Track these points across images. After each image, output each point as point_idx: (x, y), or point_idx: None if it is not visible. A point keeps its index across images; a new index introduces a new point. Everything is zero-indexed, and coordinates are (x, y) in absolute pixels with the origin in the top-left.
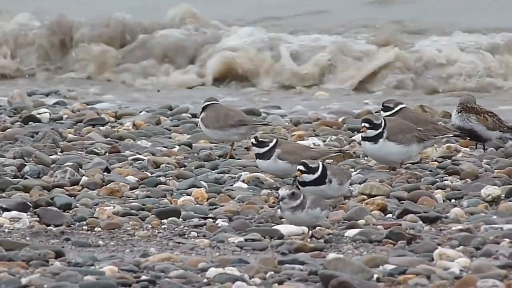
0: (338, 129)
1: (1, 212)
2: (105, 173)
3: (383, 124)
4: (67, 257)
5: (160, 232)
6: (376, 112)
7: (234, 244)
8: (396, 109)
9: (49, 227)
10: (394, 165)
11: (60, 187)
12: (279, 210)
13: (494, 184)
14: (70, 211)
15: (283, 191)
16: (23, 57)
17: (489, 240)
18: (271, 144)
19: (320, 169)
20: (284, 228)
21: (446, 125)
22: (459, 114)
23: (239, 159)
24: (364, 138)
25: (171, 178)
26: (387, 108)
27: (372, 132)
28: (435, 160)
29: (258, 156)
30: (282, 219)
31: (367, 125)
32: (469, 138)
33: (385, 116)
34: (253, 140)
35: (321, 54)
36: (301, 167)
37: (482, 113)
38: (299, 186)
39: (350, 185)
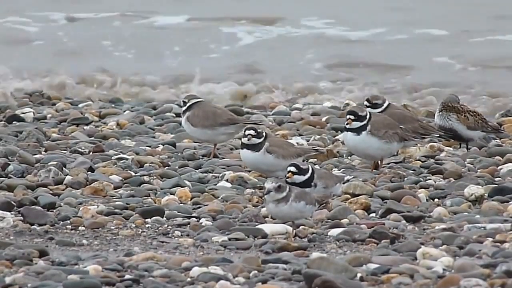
0: (322, 129)
1: None
2: (89, 172)
3: (368, 117)
4: (51, 256)
5: (144, 231)
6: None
7: (217, 243)
8: (384, 106)
9: (33, 226)
10: (373, 160)
11: (44, 186)
12: (263, 209)
13: (477, 184)
14: (54, 210)
15: (269, 184)
16: None
17: (472, 239)
18: (264, 135)
19: (309, 172)
20: (268, 227)
21: (431, 124)
22: (440, 113)
23: (223, 158)
24: (348, 129)
25: (155, 177)
26: (375, 105)
27: (357, 124)
28: (419, 160)
29: (247, 147)
30: (266, 218)
31: (352, 117)
32: (452, 139)
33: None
34: (252, 132)
35: None
36: (292, 169)
37: (463, 112)
38: None
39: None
